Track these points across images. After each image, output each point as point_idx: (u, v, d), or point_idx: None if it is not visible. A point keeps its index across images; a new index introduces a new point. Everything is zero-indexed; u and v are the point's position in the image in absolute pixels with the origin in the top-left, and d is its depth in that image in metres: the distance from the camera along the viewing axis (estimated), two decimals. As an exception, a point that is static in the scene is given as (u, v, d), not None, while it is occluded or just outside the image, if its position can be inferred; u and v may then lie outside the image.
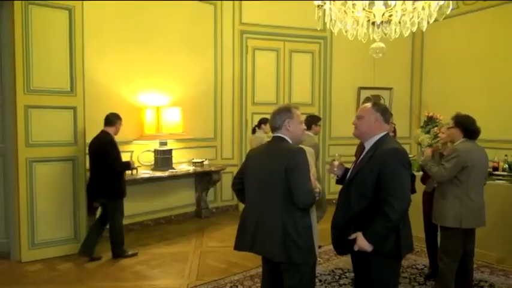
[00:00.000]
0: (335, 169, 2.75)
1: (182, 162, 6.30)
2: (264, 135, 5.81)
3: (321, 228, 4.51)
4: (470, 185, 3.22)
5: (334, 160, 2.80)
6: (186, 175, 6.24)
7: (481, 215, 3.28)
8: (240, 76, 6.95)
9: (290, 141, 2.51)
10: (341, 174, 2.71)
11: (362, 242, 2.25)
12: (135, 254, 4.75)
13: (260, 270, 4.00)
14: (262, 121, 5.95)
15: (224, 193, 6.79)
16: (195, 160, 6.29)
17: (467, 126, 3.29)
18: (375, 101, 2.57)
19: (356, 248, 2.27)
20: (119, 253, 4.68)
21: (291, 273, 2.41)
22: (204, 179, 6.46)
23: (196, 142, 6.50)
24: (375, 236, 2.25)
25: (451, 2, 3.85)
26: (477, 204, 3.26)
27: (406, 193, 2.27)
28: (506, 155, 5.42)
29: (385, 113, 2.46)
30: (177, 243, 5.28)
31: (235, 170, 5.28)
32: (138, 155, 5.86)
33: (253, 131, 6.21)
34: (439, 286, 3.34)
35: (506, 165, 5.15)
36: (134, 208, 4.90)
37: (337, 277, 4.09)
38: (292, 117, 2.53)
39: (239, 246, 2.60)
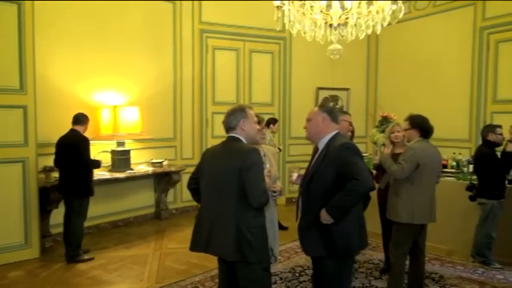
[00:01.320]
0: (294, 179, 2.83)
1: (141, 163, 6.16)
2: (272, 136, 5.83)
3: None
4: (423, 183, 3.36)
5: (293, 172, 2.88)
6: (145, 176, 6.12)
7: (432, 211, 3.44)
8: (200, 75, 6.90)
9: (245, 141, 2.53)
10: (300, 182, 2.76)
11: (323, 214, 2.39)
12: (91, 259, 4.60)
13: (221, 270, 4.01)
14: (271, 121, 5.93)
15: (184, 194, 6.70)
16: (154, 160, 6.17)
17: (422, 126, 3.43)
18: (322, 103, 2.70)
19: (323, 221, 2.41)
20: (74, 256, 4.51)
21: (246, 272, 2.43)
22: (163, 179, 6.35)
23: (156, 142, 6.38)
24: (333, 207, 2.36)
25: (403, 6, 4.02)
26: (429, 201, 3.41)
27: (368, 176, 2.42)
28: (454, 153, 5.74)
29: (331, 113, 2.59)
30: (135, 245, 5.16)
31: (195, 170, 5.24)
32: (95, 156, 5.64)
33: None
34: (392, 279, 3.48)
35: (454, 163, 5.45)
36: (90, 211, 4.74)
37: (297, 274, 4.15)
38: (247, 117, 2.55)
39: (194, 247, 2.59)
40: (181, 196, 6.77)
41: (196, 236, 2.57)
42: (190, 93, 6.84)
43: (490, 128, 4.35)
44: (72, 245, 4.53)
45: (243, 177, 2.35)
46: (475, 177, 4.50)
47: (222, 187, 2.43)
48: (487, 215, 4.24)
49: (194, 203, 6.81)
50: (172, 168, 6.23)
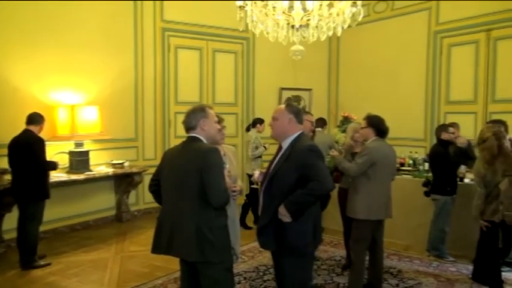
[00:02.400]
0: (256, 177, 2.86)
1: (100, 164, 5.98)
2: (258, 135, 5.84)
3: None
4: (379, 180, 3.47)
5: (254, 170, 2.91)
6: (105, 177, 5.95)
7: (388, 207, 3.56)
8: (162, 74, 6.79)
9: (205, 141, 2.52)
10: (262, 179, 2.78)
11: (281, 210, 2.42)
12: (47, 265, 4.42)
13: (184, 271, 3.97)
14: (257, 121, 5.95)
15: (146, 195, 6.56)
16: (114, 161, 6.01)
17: (378, 126, 3.55)
18: (289, 102, 2.73)
19: (280, 216, 2.43)
20: (29, 262, 4.32)
21: (208, 272, 2.42)
22: (124, 181, 6.20)
23: (116, 143, 6.22)
24: (292, 203, 2.40)
25: (362, 9, 4.14)
26: (385, 198, 3.53)
27: (329, 178, 2.48)
28: (411, 152, 5.98)
29: (297, 114, 2.62)
30: (95, 249, 5.01)
31: (157, 171, 5.15)
32: (51, 157, 5.42)
33: (247, 129, 6.22)
34: (353, 275, 3.57)
35: (411, 161, 5.67)
36: (46, 214, 4.54)
37: (261, 273, 4.17)
38: (207, 117, 2.54)
39: (156, 249, 2.55)
40: (143, 197, 6.63)
41: (158, 238, 2.54)
42: (152, 93, 6.71)
43: (443, 128, 4.57)
44: (27, 250, 4.33)
45: (203, 177, 2.33)
46: (430, 174, 4.70)
47: (182, 187, 2.41)
48: (440, 210, 4.45)
49: (157, 205, 6.69)
50: (134, 169, 6.09)
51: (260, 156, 5.82)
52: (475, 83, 6.37)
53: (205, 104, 2.71)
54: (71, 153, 5.56)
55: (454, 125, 4.95)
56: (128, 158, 6.25)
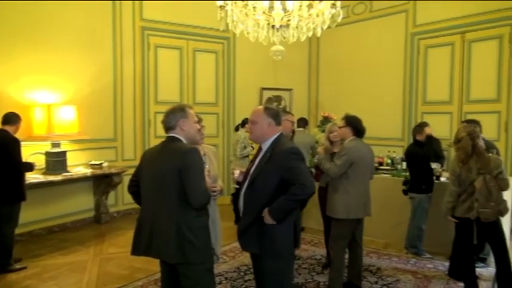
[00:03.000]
0: (236, 177, 2.85)
1: (78, 165, 5.86)
2: (247, 134, 5.78)
3: (228, 226, 4.58)
4: (357, 179, 3.52)
5: (234, 169, 2.89)
6: (83, 178, 5.84)
7: (366, 206, 3.62)
8: (141, 74, 6.70)
9: (184, 141, 2.50)
10: (242, 179, 2.78)
11: (266, 215, 2.43)
12: (23, 268, 4.31)
13: (165, 273, 3.93)
14: (246, 121, 5.83)
15: (126, 196, 6.46)
16: (93, 162, 5.90)
17: (356, 126, 3.60)
18: (267, 105, 2.72)
19: (265, 221, 2.44)
20: (4, 266, 4.20)
21: (188, 273, 2.40)
22: (103, 181, 6.10)
23: (95, 143, 6.11)
24: (277, 210, 2.41)
25: (341, 11, 4.19)
26: (364, 197, 3.58)
27: (312, 181, 2.50)
28: (389, 151, 6.08)
29: (276, 117, 2.63)
30: (73, 252, 4.91)
31: (137, 171, 5.10)
32: (26, 158, 5.29)
33: (237, 129, 6.23)
34: (333, 273, 3.61)
35: (389, 160, 5.77)
36: (22, 216, 4.42)
37: (242, 273, 4.18)
38: (187, 117, 2.52)
39: (135, 250, 2.52)
40: (122, 198, 6.54)
41: (137, 240, 2.50)
42: (132, 92, 6.62)
43: (420, 128, 4.67)
44: (2, 253, 4.21)
45: (183, 177, 2.31)
46: (408, 173, 4.79)
47: (161, 188, 2.38)
48: (416, 208, 4.55)
49: (137, 205, 6.61)
50: (113, 170, 6.00)
51: (247, 156, 5.87)
52: (451, 84, 6.53)
53: (185, 104, 2.68)
54: (47, 153, 5.43)
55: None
56: (106, 158, 6.16)
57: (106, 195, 6.21)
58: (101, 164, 5.92)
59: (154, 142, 6.37)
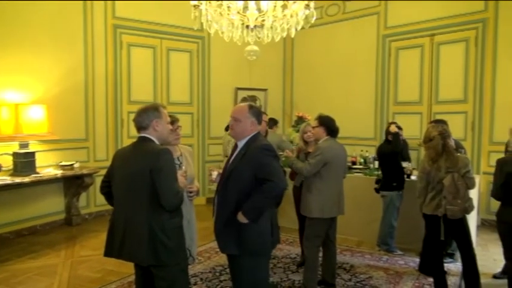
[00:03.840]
0: (214, 178, 2.83)
1: (48, 166, 5.70)
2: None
3: (203, 227, 4.55)
4: (331, 179, 3.58)
5: (212, 170, 2.86)
6: (53, 180, 5.67)
7: (340, 205, 3.69)
8: (114, 73, 6.57)
9: (157, 142, 2.47)
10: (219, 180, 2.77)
11: (240, 217, 2.42)
12: (-11, 273, 4.16)
13: (139, 275, 3.87)
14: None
15: (98, 197, 6.34)
16: (63, 163, 5.75)
17: (329, 126, 3.66)
18: (251, 103, 2.72)
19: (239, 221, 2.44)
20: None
21: (162, 275, 2.38)
22: (74, 183, 5.94)
23: (65, 143, 5.95)
24: (250, 209, 2.41)
25: (315, 12, 4.25)
26: (337, 196, 3.65)
27: (283, 177, 2.50)
28: (362, 151, 6.20)
29: (259, 116, 2.65)
30: (43, 255, 4.77)
31: (110, 172, 5.00)
32: (-8, 159, 5.13)
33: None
34: (308, 271, 3.65)
35: (362, 160, 5.88)
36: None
37: (217, 274, 4.16)
38: (160, 117, 2.48)
39: (108, 252, 2.47)
40: (94, 200, 6.40)
41: (110, 241, 2.46)
42: (104, 91, 6.48)
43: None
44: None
45: (154, 178, 2.28)
46: (380, 172, 4.90)
47: (133, 189, 2.35)
48: (388, 206, 4.66)
49: (109, 207, 6.49)
50: (85, 171, 5.86)
51: None
52: (421, 85, 6.71)
53: (158, 103, 2.62)
54: (15, 154, 5.25)
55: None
56: (78, 159, 6.01)
57: (77, 197, 6.05)
58: (72, 164, 5.77)
59: (127, 142, 6.23)
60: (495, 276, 4.02)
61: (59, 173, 5.59)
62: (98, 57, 6.37)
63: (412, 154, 6.00)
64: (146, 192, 2.31)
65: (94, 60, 6.32)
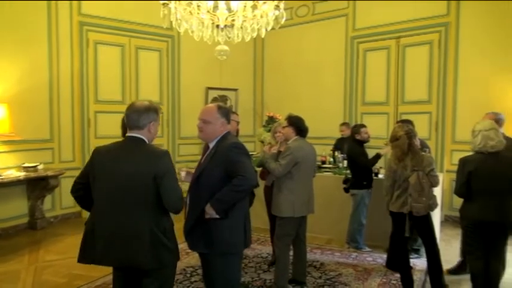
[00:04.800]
0: (183, 177, 2.81)
1: (10, 168, 5.47)
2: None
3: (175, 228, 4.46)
4: (301, 178, 3.63)
5: (181, 170, 2.84)
6: (16, 182, 5.44)
7: (310, 203, 3.74)
8: (80, 71, 6.38)
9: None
10: (189, 179, 2.75)
11: (207, 208, 2.39)
12: None
13: (107, 279, 3.79)
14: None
15: (64, 200, 6.15)
16: (26, 165, 5.53)
17: (298, 126, 3.70)
18: (219, 104, 2.71)
19: (207, 216, 2.40)
20: None
21: (157, 276, 2.32)
22: (38, 185, 5.73)
23: (28, 144, 5.73)
24: (218, 201, 2.38)
25: (284, 13, 4.28)
26: (307, 195, 3.70)
27: (253, 173, 2.48)
28: (331, 150, 6.29)
29: (228, 116, 2.65)
30: (5, 261, 4.57)
31: (77, 173, 4.84)
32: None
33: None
34: (279, 270, 3.68)
35: (331, 159, 5.98)
36: None
37: (188, 275, 4.13)
38: (157, 120, 2.41)
39: (85, 258, 2.33)
40: (60, 203, 6.19)
41: (89, 247, 2.31)
42: (70, 90, 6.29)
43: (357, 129, 4.88)
44: None
45: (159, 182, 2.21)
46: (349, 171, 5.00)
47: (127, 193, 2.23)
48: (358, 204, 4.76)
49: (76, 209, 6.36)
50: (49, 173, 5.66)
51: None
52: (387, 86, 6.90)
53: (156, 105, 2.48)
54: (-26, 156, 5.02)
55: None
56: (42, 160, 5.80)
57: (42, 200, 5.84)
58: (36, 166, 5.56)
59: (95, 142, 6.15)
60: (450, 272, 4.09)
61: (21, 175, 5.38)
62: (63, 55, 6.17)
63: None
64: (148, 195, 2.23)
65: (59, 59, 6.12)
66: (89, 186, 2.39)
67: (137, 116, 2.32)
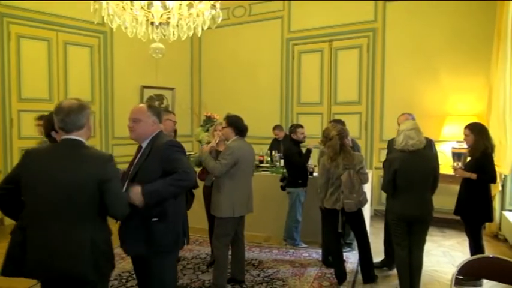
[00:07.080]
0: None
1: None
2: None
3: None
4: (241, 178, 3.65)
5: None
6: None
7: (249, 203, 3.78)
8: (1, 67, 5.89)
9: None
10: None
11: (134, 195, 2.26)
12: None
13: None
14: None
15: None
16: None
17: (237, 125, 3.72)
18: (150, 103, 2.66)
19: (131, 198, 2.26)
20: None
21: (93, 286, 2.15)
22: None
23: None
24: (151, 191, 2.28)
25: (221, 12, 4.28)
26: (246, 194, 3.73)
27: (192, 170, 2.45)
28: (268, 150, 6.41)
29: (159, 115, 2.61)
30: None
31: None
32: None
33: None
34: (217, 270, 3.67)
35: (268, 158, 6.09)
36: None
37: (124, 280, 3.98)
38: (91, 113, 2.26)
39: (11, 271, 2.16)
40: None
41: (18, 260, 2.13)
42: (-12, 87, 5.78)
43: (293, 129, 5.02)
44: None
45: (104, 188, 2.06)
46: (285, 170, 5.12)
47: (70, 200, 2.05)
48: (294, 202, 4.90)
49: (-4, 217, 5.84)
50: (-36, 177, 5.16)
51: None
52: (321, 87, 7.17)
53: (81, 100, 2.26)
54: None
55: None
56: (-45, 164, 5.28)
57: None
58: None
59: (18, 144, 5.72)
60: (376, 266, 4.14)
61: None
62: (-20, 48, 5.66)
63: (314, 152, 6.38)
64: (89, 203, 2.07)
65: (-25, 52, 5.60)
66: (16, 192, 2.19)
67: (75, 117, 2.14)
